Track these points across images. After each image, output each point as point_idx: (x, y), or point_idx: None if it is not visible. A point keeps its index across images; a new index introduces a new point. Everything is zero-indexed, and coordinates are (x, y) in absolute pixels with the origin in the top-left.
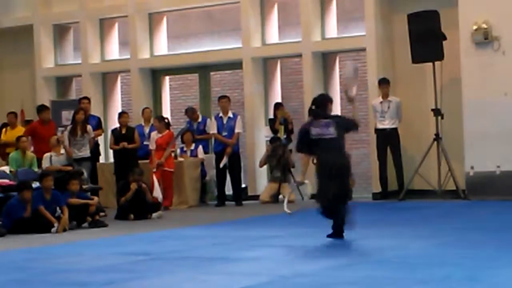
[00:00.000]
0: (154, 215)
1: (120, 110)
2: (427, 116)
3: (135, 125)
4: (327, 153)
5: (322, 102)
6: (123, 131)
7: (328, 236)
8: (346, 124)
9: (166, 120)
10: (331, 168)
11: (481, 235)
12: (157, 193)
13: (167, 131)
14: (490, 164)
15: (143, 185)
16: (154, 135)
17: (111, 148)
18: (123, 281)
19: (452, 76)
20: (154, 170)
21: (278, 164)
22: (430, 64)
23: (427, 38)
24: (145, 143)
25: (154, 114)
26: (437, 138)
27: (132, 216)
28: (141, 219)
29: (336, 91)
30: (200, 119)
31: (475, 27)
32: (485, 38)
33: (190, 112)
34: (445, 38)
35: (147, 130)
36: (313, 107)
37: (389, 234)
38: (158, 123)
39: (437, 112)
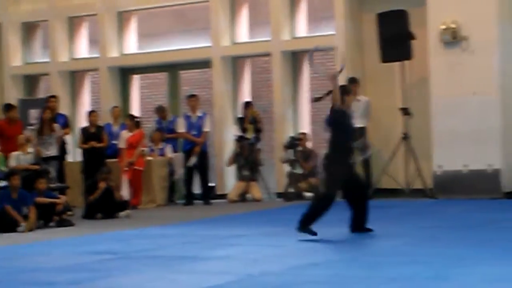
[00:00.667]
0: (121, 214)
1: (88, 109)
2: (396, 115)
3: (104, 123)
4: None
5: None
6: (92, 130)
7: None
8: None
9: (136, 119)
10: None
11: (449, 233)
12: (124, 192)
13: (137, 130)
14: (458, 163)
15: (112, 184)
16: (125, 134)
17: (79, 147)
18: (90, 280)
19: (420, 75)
20: (126, 168)
21: (246, 163)
22: (399, 63)
23: (396, 38)
24: (113, 142)
25: (123, 113)
26: (405, 137)
27: (99, 215)
28: (108, 218)
29: (305, 90)
30: (170, 118)
31: (443, 27)
32: (453, 38)
33: (160, 111)
34: (414, 38)
35: (116, 129)
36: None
37: (357, 233)
38: (129, 121)
39: (405, 111)
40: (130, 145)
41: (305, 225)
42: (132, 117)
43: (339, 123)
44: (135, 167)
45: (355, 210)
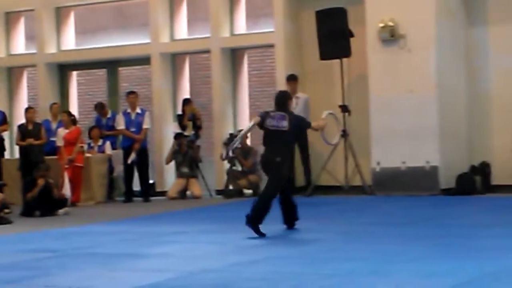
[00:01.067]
0: (60, 211)
1: (26, 105)
2: (335, 112)
3: (42, 120)
4: (271, 147)
5: (282, 100)
6: (30, 127)
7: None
8: (300, 121)
9: (72, 116)
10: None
11: (387, 230)
12: (66, 190)
13: (74, 127)
14: (396, 160)
15: (50, 181)
16: (61, 131)
17: (17, 144)
18: (28, 279)
19: (359, 73)
20: (67, 166)
21: (185, 160)
22: (338, 61)
23: (334, 35)
24: (52, 139)
25: (61, 109)
26: (344, 134)
27: (38, 212)
28: (47, 215)
29: (244, 88)
30: (109, 115)
31: (381, 25)
32: (391, 36)
33: (99, 108)
34: (352, 35)
35: (54, 125)
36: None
37: (296, 230)
38: (66, 118)
39: (344, 108)
40: (67, 142)
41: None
42: (69, 114)
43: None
44: (75, 164)
45: (285, 207)
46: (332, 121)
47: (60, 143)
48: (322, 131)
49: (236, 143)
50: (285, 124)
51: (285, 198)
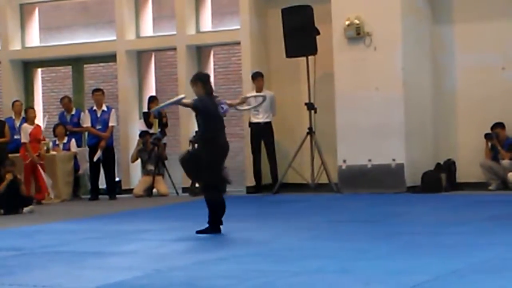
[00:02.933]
0: (25, 209)
1: None
2: (301, 110)
3: (5, 118)
4: (223, 134)
5: (208, 79)
6: None
7: (201, 232)
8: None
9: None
10: (226, 151)
11: (353, 227)
12: (48, 182)
13: (36, 123)
14: (362, 158)
15: (18, 177)
16: (27, 127)
17: None
18: None
19: (325, 70)
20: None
21: (151, 157)
22: (304, 58)
23: (300, 33)
24: (15, 136)
25: (25, 107)
26: (311, 132)
27: (1, 211)
28: (12, 213)
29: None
30: (73, 112)
31: (347, 23)
32: (357, 34)
33: (66, 99)
34: (318, 33)
35: (17, 123)
36: (205, 84)
37: (263, 227)
38: (33, 114)
39: (310, 106)
40: (33, 138)
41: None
42: (33, 109)
43: None
44: (41, 161)
45: None
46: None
47: (25, 139)
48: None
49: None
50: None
51: None
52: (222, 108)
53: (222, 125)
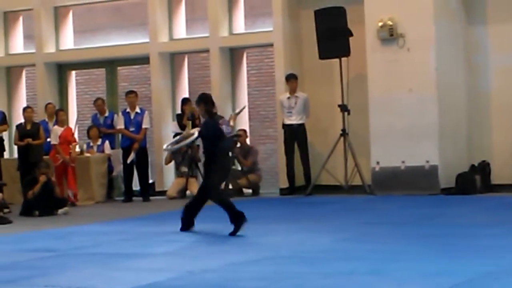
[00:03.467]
0: (60, 211)
1: (25, 105)
2: (334, 111)
3: (40, 120)
4: (227, 155)
5: (210, 100)
6: (28, 127)
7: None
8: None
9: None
10: (227, 173)
11: (386, 229)
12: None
13: (66, 125)
14: (395, 159)
15: (52, 179)
16: (57, 129)
17: (15, 144)
18: (27, 279)
19: (358, 72)
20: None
21: (184, 159)
22: (337, 60)
23: (334, 34)
24: (48, 139)
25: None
26: (344, 133)
27: (36, 212)
28: (46, 215)
29: (243, 87)
30: (107, 114)
31: (380, 24)
32: (390, 35)
33: (100, 101)
34: (351, 35)
35: (51, 125)
36: (206, 105)
37: (296, 229)
38: (64, 116)
39: (343, 107)
40: (64, 140)
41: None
42: (63, 111)
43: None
44: (72, 164)
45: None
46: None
47: (55, 141)
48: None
49: (176, 147)
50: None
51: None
52: (227, 129)
53: (227, 144)
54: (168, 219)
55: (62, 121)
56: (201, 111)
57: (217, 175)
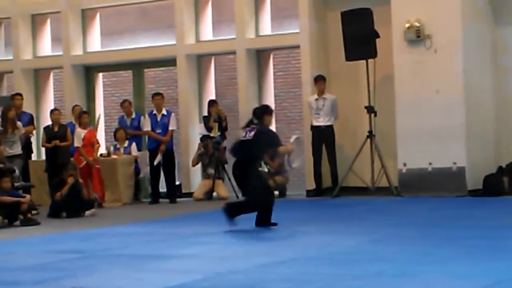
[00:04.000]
0: (87, 212)
1: (52, 107)
2: (361, 113)
3: (67, 122)
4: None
5: (259, 114)
6: (55, 129)
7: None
8: (267, 138)
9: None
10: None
11: (414, 231)
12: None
13: (89, 128)
14: (422, 161)
15: (80, 180)
16: (80, 131)
17: (43, 146)
18: (55, 280)
19: (385, 73)
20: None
21: (211, 161)
22: (364, 61)
23: (360, 36)
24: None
25: (87, 111)
26: (370, 135)
27: (64, 214)
28: (74, 217)
29: (270, 89)
30: (134, 116)
31: (407, 25)
32: (417, 36)
33: (127, 103)
34: (378, 36)
35: (78, 127)
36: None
37: (323, 231)
38: (87, 118)
39: (370, 109)
40: (88, 142)
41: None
42: (87, 113)
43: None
44: (96, 165)
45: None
46: (297, 144)
47: (78, 143)
48: (288, 155)
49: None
50: (251, 134)
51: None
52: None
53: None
54: (195, 221)
55: (85, 123)
56: (269, 122)
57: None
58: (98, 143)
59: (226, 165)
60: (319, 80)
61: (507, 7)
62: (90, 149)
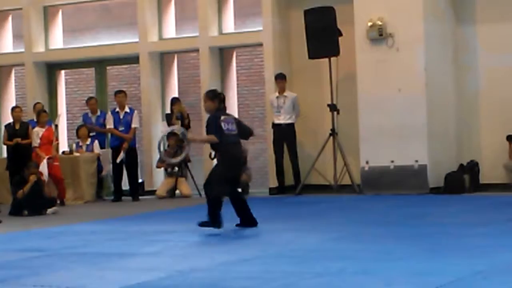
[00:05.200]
0: (49, 210)
1: (13, 105)
2: (323, 111)
3: (29, 120)
4: (233, 146)
5: (222, 98)
6: (17, 127)
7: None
8: (244, 129)
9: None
10: (239, 159)
11: (376, 229)
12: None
13: (47, 126)
14: (384, 159)
15: (42, 178)
16: (39, 130)
17: (4, 143)
18: (16, 278)
19: (348, 71)
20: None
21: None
22: (327, 59)
23: (323, 34)
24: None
25: (48, 108)
26: (333, 133)
27: (26, 212)
28: (35, 215)
29: (233, 87)
30: (98, 113)
31: (370, 24)
32: (379, 35)
33: (93, 100)
34: (341, 34)
35: (37, 126)
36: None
37: (286, 228)
38: (45, 116)
39: (333, 107)
40: (46, 140)
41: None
42: (45, 112)
43: None
44: (55, 163)
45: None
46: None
47: (35, 143)
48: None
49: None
50: (234, 127)
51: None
52: (226, 126)
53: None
54: (157, 219)
55: (43, 122)
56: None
57: (218, 169)
58: (57, 140)
59: (189, 163)
60: (279, 78)
61: (468, 5)
62: (49, 147)
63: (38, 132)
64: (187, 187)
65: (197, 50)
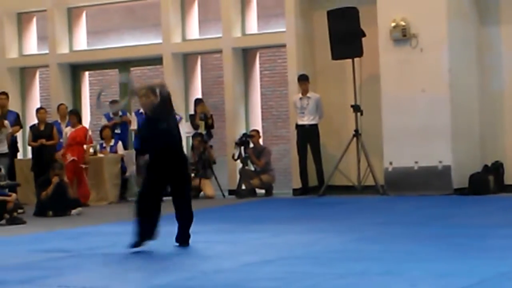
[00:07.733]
0: (73, 211)
1: (38, 106)
2: (347, 112)
3: (53, 121)
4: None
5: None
6: (41, 128)
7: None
8: None
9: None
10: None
11: (399, 229)
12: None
13: (80, 125)
14: (408, 160)
15: (65, 180)
16: (68, 130)
17: (29, 144)
18: (41, 279)
19: (371, 72)
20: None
21: (200, 159)
22: (350, 60)
23: (346, 35)
24: (62, 140)
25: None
26: (357, 134)
27: (50, 213)
28: (60, 215)
29: (256, 88)
30: (120, 113)
31: (393, 24)
32: (403, 35)
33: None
34: (364, 35)
35: (63, 126)
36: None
37: (309, 230)
38: (74, 118)
39: (356, 108)
40: (74, 141)
41: None
42: (76, 113)
43: None
44: (81, 165)
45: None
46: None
47: (65, 143)
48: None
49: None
50: None
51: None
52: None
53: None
54: None
55: (74, 123)
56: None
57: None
58: (91, 142)
59: (213, 164)
60: (302, 79)
61: (492, 6)
62: (76, 148)
63: (66, 132)
64: (211, 188)
65: (220, 51)
